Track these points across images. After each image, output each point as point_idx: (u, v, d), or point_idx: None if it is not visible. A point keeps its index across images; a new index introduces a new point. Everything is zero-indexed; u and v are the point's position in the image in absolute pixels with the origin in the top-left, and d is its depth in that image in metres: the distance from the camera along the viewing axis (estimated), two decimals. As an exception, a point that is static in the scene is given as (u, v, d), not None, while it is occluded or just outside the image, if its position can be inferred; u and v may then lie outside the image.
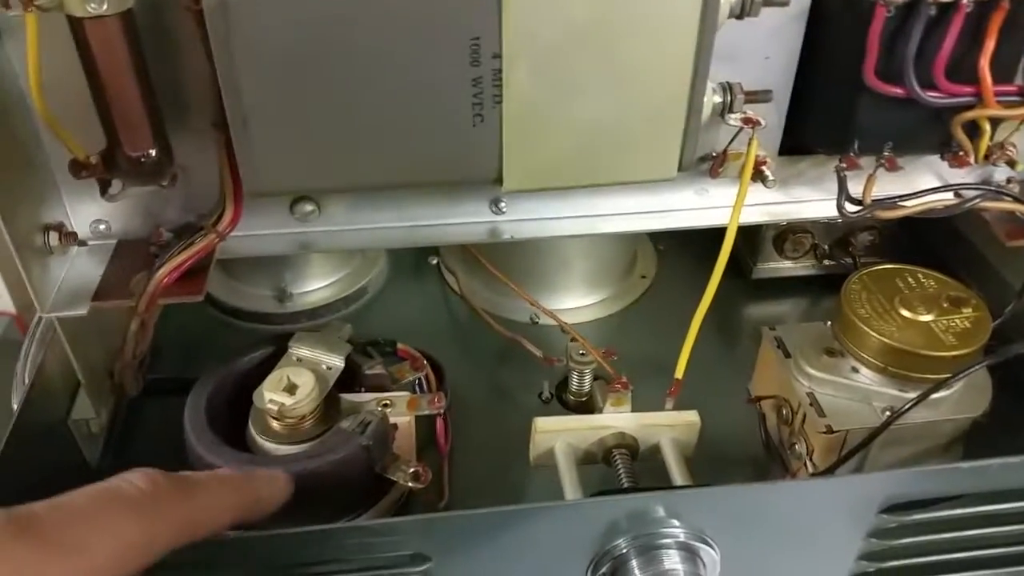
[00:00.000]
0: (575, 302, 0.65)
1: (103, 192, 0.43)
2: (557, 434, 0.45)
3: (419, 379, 0.53)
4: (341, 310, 0.65)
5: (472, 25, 0.36)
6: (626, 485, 0.43)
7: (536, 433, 0.45)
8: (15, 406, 0.47)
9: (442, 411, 0.49)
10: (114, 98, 0.38)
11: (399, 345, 0.56)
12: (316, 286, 0.65)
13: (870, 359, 0.48)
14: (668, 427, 0.45)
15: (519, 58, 0.37)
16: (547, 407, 0.57)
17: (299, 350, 0.49)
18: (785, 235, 0.64)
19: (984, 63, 0.42)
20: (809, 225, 0.63)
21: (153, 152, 0.40)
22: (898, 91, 0.42)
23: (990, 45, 0.41)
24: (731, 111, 0.42)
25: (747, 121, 0.43)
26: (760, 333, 0.53)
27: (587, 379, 0.55)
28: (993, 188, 0.48)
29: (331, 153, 0.39)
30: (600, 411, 0.48)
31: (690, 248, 0.66)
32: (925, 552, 0.42)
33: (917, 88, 0.41)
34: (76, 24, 0.36)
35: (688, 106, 0.39)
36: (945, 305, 0.49)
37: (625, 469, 0.44)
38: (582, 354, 0.54)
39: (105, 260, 0.45)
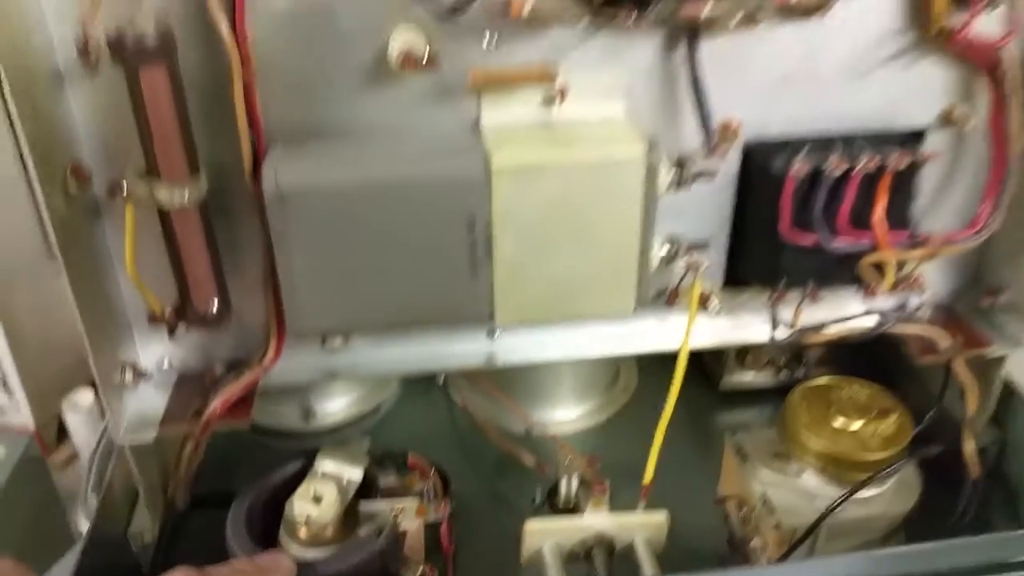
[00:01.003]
0: (566, 414, 0.74)
1: (171, 335, 0.52)
2: (545, 535, 0.53)
3: (427, 487, 0.61)
4: (358, 426, 0.73)
5: (470, 206, 0.46)
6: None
7: (527, 535, 0.53)
8: (81, 521, 0.55)
9: (446, 517, 0.56)
10: (188, 265, 0.48)
11: (410, 456, 0.64)
12: (337, 406, 0.73)
13: (810, 462, 0.56)
14: (640, 526, 0.53)
15: (505, 228, 0.47)
16: (539, 512, 0.64)
17: (324, 464, 0.57)
18: (746, 351, 0.73)
19: (878, 215, 0.52)
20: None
21: (216, 305, 0.50)
22: (810, 240, 0.52)
23: (881, 202, 0.52)
24: (677, 258, 0.53)
25: (690, 265, 0.53)
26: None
27: (574, 484, 0.63)
28: (903, 314, 0.58)
29: (360, 302, 0.49)
30: (583, 512, 0.56)
31: (667, 364, 0.75)
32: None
33: (826, 239, 0.52)
34: (163, 213, 0.47)
35: (639, 258, 0.49)
36: (874, 413, 0.58)
37: (602, 566, 0.52)
38: (569, 462, 0.62)
39: (167, 391, 0.55)
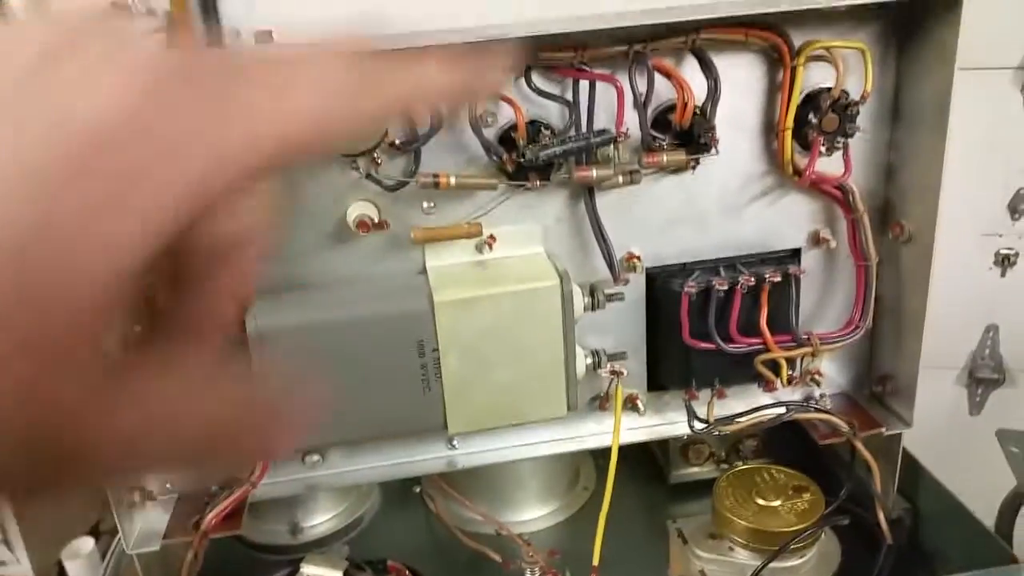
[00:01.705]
0: (531, 514, 0.81)
1: (173, 460, 0.61)
2: None
3: (404, 588, 0.68)
4: (343, 537, 0.80)
5: (419, 334, 0.57)
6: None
7: None
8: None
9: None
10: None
11: (388, 562, 0.71)
12: (322, 519, 0.81)
13: (737, 539, 0.64)
14: (591, 606, 0.60)
15: (449, 350, 0.57)
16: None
17: (308, 569, 0.65)
18: (687, 447, 0.81)
19: (763, 322, 0.62)
20: (704, 437, 0.81)
21: (211, 430, 0.59)
22: (709, 346, 0.62)
23: (764, 310, 0.62)
24: (600, 367, 0.63)
25: (613, 372, 0.63)
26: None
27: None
28: (802, 404, 0.67)
29: (332, 420, 0.58)
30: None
31: (624, 462, 0.83)
32: None
33: (720, 343, 0.62)
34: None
35: (565, 369, 0.59)
36: (790, 492, 0.66)
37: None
38: (531, 556, 0.69)
39: (168, 510, 0.63)
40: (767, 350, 0.63)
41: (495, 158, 0.57)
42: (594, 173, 0.57)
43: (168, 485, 0.64)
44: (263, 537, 0.79)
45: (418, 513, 0.84)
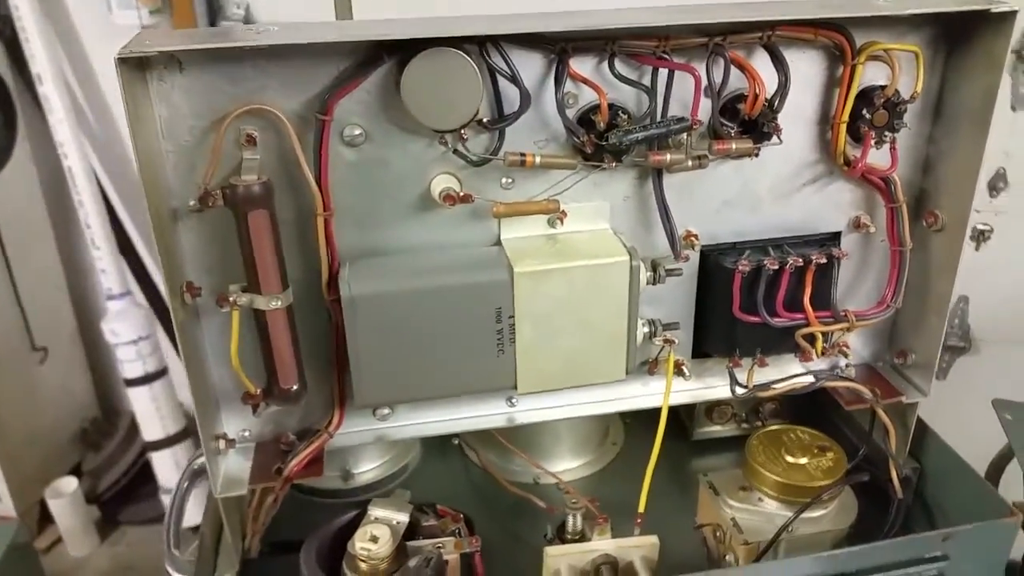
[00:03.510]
0: (564, 466, 0.87)
1: (255, 412, 0.65)
2: (562, 559, 0.66)
3: (457, 529, 0.74)
4: (389, 484, 0.85)
5: (497, 301, 0.61)
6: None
7: (547, 559, 0.66)
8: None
9: (479, 549, 0.69)
10: (277, 355, 0.62)
11: (438, 506, 0.77)
12: (370, 467, 0.86)
13: (768, 492, 0.71)
14: (637, 547, 0.66)
15: (524, 317, 0.62)
16: (551, 543, 0.77)
17: (376, 511, 0.70)
18: (712, 408, 0.87)
19: (806, 300, 0.68)
20: (730, 400, 0.87)
21: (297, 385, 0.63)
22: (756, 319, 0.68)
23: (809, 289, 0.68)
24: (655, 336, 0.68)
25: (666, 341, 0.68)
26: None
27: (579, 520, 0.76)
28: (833, 372, 0.73)
29: (410, 378, 0.63)
30: (589, 540, 0.69)
31: (648, 423, 0.89)
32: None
33: (767, 317, 0.67)
34: (259, 313, 0.60)
35: (627, 337, 0.64)
36: (815, 451, 0.72)
37: (609, 580, 0.65)
38: (574, 502, 0.75)
39: (249, 456, 0.67)
40: (808, 324, 0.68)
41: (576, 139, 0.61)
42: (668, 157, 0.61)
43: (246, 432, 0.68)
44: (318, 482, 0.84)
45: (456, 462, 0.90)
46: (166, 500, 1.69)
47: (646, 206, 0.66)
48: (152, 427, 1.66)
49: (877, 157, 0.66)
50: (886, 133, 0.65)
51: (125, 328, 1.58)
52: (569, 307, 0.63)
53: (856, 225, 0.70)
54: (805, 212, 0.69)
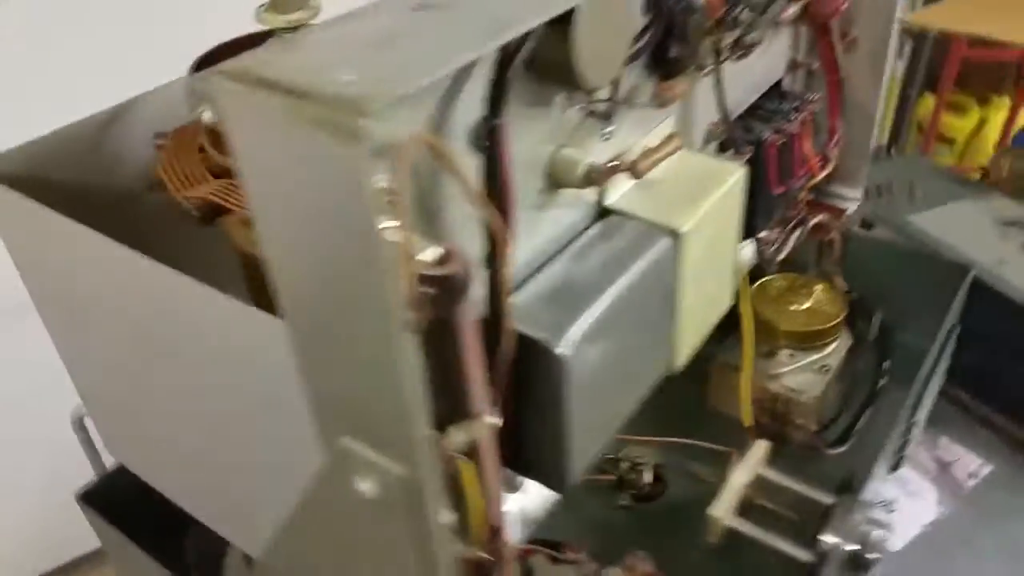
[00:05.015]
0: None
1: None
2: (725, 510, 0.62)
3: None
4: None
5: (668, 276, 0.49)
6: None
7: (712, 521, 0.62)
8: None
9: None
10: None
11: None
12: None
13: (794, 344, 0.75)
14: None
15: (688, 282, 0.51)
16: (630, 511, 0.72)
17: None
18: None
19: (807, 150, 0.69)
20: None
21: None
22: (782, 189, 0.67)
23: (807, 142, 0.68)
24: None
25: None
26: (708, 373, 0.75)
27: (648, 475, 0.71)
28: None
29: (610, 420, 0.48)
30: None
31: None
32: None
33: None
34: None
35: (735, 258, 0.58)
36: (804, 292, 0.77)
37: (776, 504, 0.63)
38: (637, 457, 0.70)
39: None
40: (813, 177, 0.70)
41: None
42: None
43: None
44: None
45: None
46: None
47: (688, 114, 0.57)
48: None
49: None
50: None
51: None
52: (713, 249, 0.53)
53: (793, 67, 0.72)
54: (760, 70, 0.67)
